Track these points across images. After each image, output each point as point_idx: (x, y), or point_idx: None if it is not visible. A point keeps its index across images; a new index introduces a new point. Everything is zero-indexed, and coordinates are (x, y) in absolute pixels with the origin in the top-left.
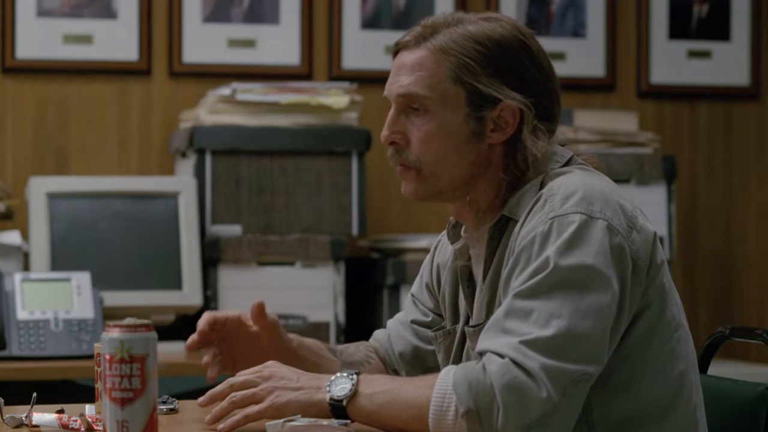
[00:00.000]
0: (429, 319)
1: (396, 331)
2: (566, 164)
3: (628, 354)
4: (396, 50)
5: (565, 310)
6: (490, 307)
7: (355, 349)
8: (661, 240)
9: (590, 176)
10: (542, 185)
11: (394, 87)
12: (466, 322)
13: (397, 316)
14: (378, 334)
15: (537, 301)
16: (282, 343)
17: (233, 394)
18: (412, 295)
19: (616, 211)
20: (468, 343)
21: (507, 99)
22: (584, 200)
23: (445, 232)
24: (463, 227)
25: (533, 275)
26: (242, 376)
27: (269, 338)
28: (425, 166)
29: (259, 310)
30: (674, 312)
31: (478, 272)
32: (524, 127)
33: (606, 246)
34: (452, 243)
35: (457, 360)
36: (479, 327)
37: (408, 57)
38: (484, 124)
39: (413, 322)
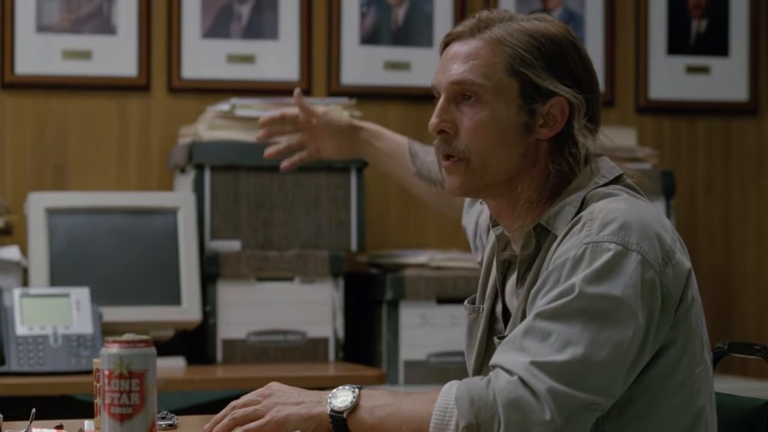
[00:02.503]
0: (471, 230)
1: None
2: (613, 182)
3: (648, 387)
4: (447, 41)
5: (583, 338)
6: (523, 317)
7: (432, 160)
8: None
9: (634, 204)
10: (584, 202)
11: (446, 75)
12: (492, 305)
13: None
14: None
15: (557, 324)
16: (349, 130)
17: (234, 411)
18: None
19: (653, 244)
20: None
21: (560, 92)
22: (622, 230)
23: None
24: None
25: (558, 298)
26: (244, 397)
27: (327, 126)
28: (474, 156)
29: (297, 100)
30: (698, 348)
31: (511, 273)
32: (575, 122)
33: (637, 280)
34: (493, 227)
35: (483, 345)
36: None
37: (462, 47)
38: (535, 118)
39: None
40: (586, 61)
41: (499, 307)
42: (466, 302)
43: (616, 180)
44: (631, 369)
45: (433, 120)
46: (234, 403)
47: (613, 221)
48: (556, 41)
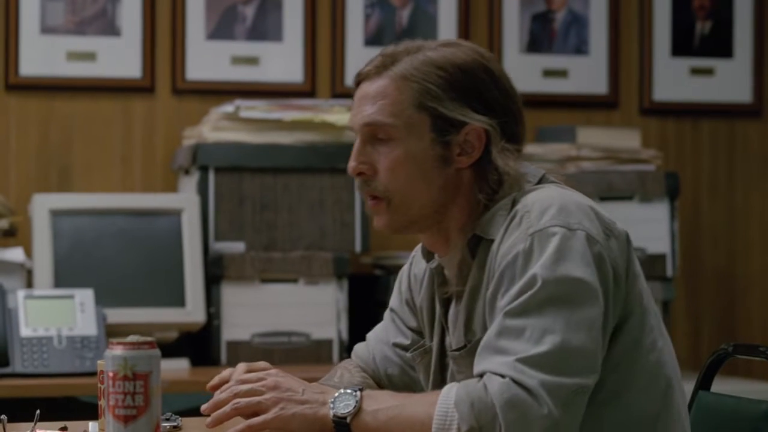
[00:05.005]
0: (408, 341)
1: (381, 352)
2: (539, 182)
3: (615, 365)
4: (357, 81)
5: (557, 325)
6: (468, 328)
7: (350, 375)
8: (664, 257)
9: (562, 190)
10: (514, 203)
11: (358, 117)
12: (441, 340)
13: (378, 333)
14: (361, 352)
15: (528, 318)
16: None
17: (237, 400)
18: (392, 311)
19: (592, 220)
20: (452, 366)
21: (472, 121)
22: (561, 212)
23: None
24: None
25: (521, 293)
26: (246, 383)
27: None
28: (394, 195)
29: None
30: (654, 321)
31: (453, 293)
32: (492, 147)
33: (588, 256)
34: (427, 261)
35: (438, 381)
36: (462, 350)
37: (370, 87)
38: (451, 149)
39: (395, 345)
40: (501, 82)
41: (448, 340)
42: (411, 353)
43: (542, 180)
44: (602, 345)
45: (351, 163)
46: (235, 388)
47: (549, 207)
48: (465, 68)
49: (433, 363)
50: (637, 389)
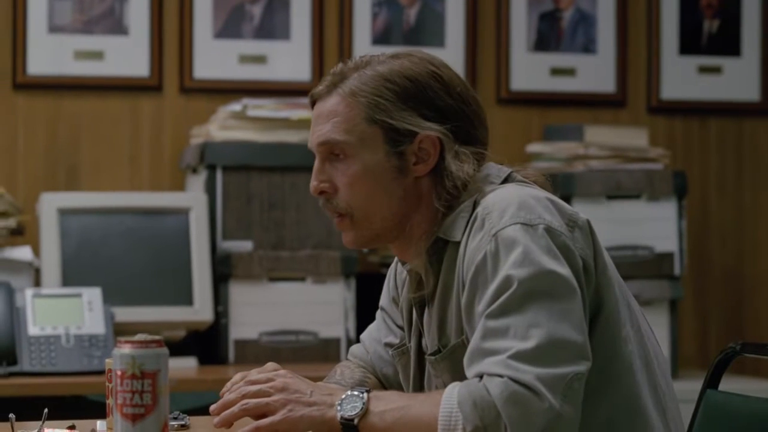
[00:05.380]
0: (398, 340)
1: (376, 352)
2: (504, 182)
3: (595, 356)
4: (312, 102)
5: (540, 319)
6: (441, 332)
7: (350, 372)
8: (672, 256)
9: (521, 187)
10: (475, 205)
11: (314, 137)
12: (419, 342)
13: (372, 333)
14: (357, 352)
15: (510, 317)
16: None
17: (246, 401)
18: (382, 309)
19: (553, 213)
20: (429, 370)
21: (422, 130)
22: (521, 209)
23: None
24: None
25: (498, 294)
26: (254, 384)
27: None
28: (356, 210)
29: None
30: (625, 313)
31: (425, 296)
32: (446, 154)
33: (554, 248)
34: (402, 265)
35: (417, 381)
36: (438, 355)
37: (323, 106)
38: (406, 159)
39: (386, 344)
40: (453, 87)
41: (424, 342)
42: (391, 351)
43: (507, 180)
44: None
45: (312, 182)
46: (243, 389)
47: (509, 206)
48: (413, 77)
49: (412, 364)
50: (618, 378)
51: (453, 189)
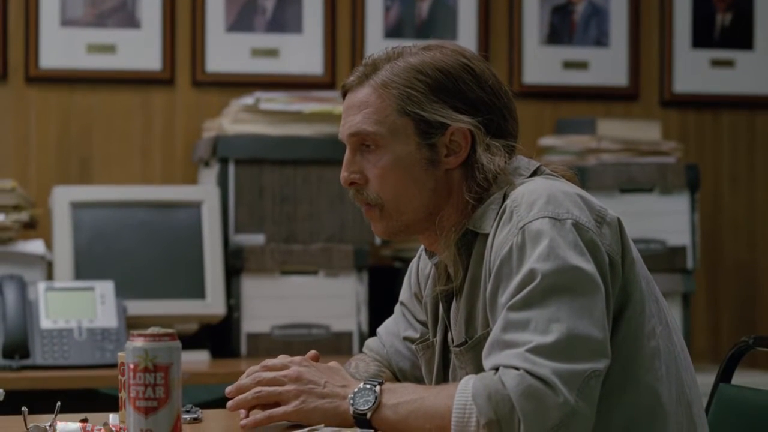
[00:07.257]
0: (418, 334)
1: (392, 346)
2: (532, 175)
3: (617, 353)
4: (343, 92)
5: (561, 314)
6: (469, 324)
7: (365, 365)
8: (684, 250)
9: (550, 181)
10: (505, 197)
11: (345, 128)
12: (444, 336)
13: (389, 327)
14: (373, 345)
15: (532, 310)
16: None
17: (260, 389)
18: (402, 304)
19: (582, 208)
20: (455, 361)
21: (454, 122)
22: (549, 203)
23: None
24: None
25: (522, 287)
26: (269, 372)
27: None
28: (386, 201)
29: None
30: (654, 308)
31: (453, 289)
32: (477, 146)
33: (580, 244)
34: (429, 258)
35: (441, 375)
36: (464, 346)
37: (354, 97)
38: (437, 151)
39: (405, 338)
40: (485, 79)
41: (450, 336)
42: (415, 345)
43: (535, 173)
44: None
45: (343, 174)
46: (258, 375)
47: (537, 199)
48: (445, 70)
49: (436, 358)
50: (641, 380)
51: (483, 181)
